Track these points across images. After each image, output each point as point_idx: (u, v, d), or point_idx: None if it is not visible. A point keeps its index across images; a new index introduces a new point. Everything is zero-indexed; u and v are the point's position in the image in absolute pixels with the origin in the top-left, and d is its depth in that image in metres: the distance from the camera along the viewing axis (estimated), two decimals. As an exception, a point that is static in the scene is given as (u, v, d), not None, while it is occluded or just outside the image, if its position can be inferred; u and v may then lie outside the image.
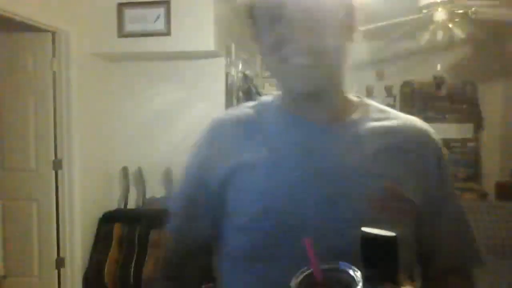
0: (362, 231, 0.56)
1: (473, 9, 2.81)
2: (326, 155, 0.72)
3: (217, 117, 0.87)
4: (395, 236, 0.54)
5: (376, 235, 0.55)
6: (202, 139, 0.90)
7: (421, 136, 0.79)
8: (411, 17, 3.08)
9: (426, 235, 0.76)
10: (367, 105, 0.82)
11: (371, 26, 3.23)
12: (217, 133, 0.85)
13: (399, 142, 0.76)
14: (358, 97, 0.85)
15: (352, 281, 0.52)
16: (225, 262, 0.82)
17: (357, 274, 0.52)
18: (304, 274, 0.55)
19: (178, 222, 0.85)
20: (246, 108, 0.84)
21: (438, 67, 5.25)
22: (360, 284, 0.51)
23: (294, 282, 0.55)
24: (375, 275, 0.54)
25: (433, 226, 0.77)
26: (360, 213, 0.66)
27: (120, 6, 3.20)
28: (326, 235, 0.63)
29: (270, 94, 0.86)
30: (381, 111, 0.82)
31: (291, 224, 0.68)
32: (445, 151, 0.80)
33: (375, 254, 0.55)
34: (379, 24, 3.19)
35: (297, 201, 0.70)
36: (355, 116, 0.78)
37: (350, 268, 0.53)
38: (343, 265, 0.54)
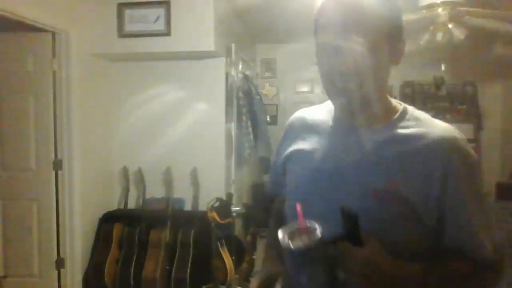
0: (341, 207, 0.79)
1: (467, 17, 2.82)
2: (351, 155, 0.90)
3: (294, 115, 1.14)
4: (356, 214, 0.76)
5: (344, 211, 0.78)
6: (284, 130, 1.15)
7: (439, 142, 0.86)
8: (411, 17, 3.08)
9: (442, 232, 0.86)
10: (405, 113, 0.94)
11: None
12: (289, 126, 1.13)
13: (417, 146, 0.86)
14: (400, 103, 0.97)
15: (316, 229, 0.80)
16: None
17: (318, 226, 0.80)
18: (291, 226, 0.83)
19: (272, 181, 1.19)
20: (316, 108, 1.09)
21: (443, 67, 5.25)
22: (318, 231, 0.79)
23: (281, 230, 0.82)
24: (348, 235, 0.79)
25: (443, 223, 0.86)
26: (360, 200, 0.85)
27: (120, 6, 3.20)
28: (335, 209, 0.80)
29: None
30: (416, 118, 0.93)
31: (315, 199, 0.91)
32: (473, 159, 0.88)
33: (346, 223, 0.79)
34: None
35: (320, 183, 0.92)
36: (388, 123, 0.92)
37: (317, 224, 0.81)
38: (314, 223, 0.81)
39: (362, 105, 0.88)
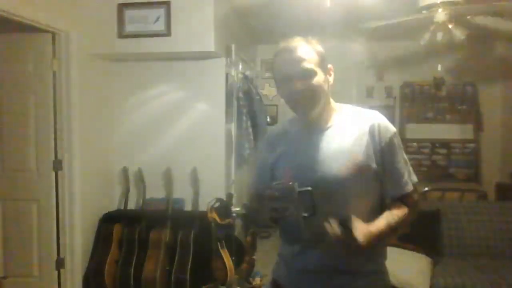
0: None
1: (468, 17, 2.82)
2: (319, 146, 1.32)
3: (270, 129, 1.59)
4: (311, 190, 1.14)
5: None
6: (264, 140, 1.57)
7: (376, 123, 1.32)
8: (411, 17, 3.08)
9: (383, 181, 1.31)
10: (344, 109, 1.41)
11: (372, 26, 3.23)
12: (270, 137, 1.52)
13: (363, 129, 1.31)
14: (338, 104, 1.42)
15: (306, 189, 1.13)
16: None
17: (296, 185, 1.13)
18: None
19: (257, 174, 1.50)
20: (281, 124, 1.54)
21: (439, 67, 5.25)
22: (295, 187, 1.12)
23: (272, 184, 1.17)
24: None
25: (384, 176, 1.30)
26: (336, 176, 1.25)
27: (120, 6, 3.20)
28: (313, 180, 1.20)
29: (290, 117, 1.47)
30: (357, 111, 1.40)
31: (301, 182, 1.17)
32: (394, 130, 1.35)
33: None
34: (380, 24, 3.19)
35: (304, 172, 1.27)
36: (336, 119, 1.36)
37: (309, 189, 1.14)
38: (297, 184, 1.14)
39: (315, 110, 1.31)
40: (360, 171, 1.25)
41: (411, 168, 1.35)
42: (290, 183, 1.14)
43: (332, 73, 1.42)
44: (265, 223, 1.37)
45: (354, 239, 1.10)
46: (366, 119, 1.34)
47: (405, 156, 1.35)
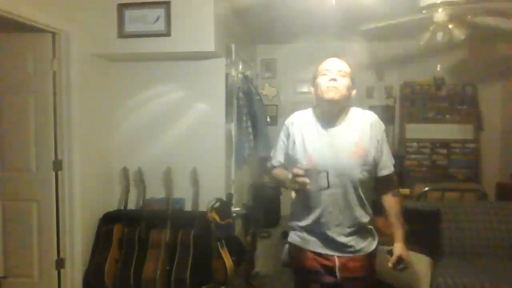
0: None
1: (469, 16, 2.82)
2: (335, 137, 1.73)
3: (293, 117, 1.90)
4: (327, 172, 1.60)
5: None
6: (286, 123, 1.90)
7: (375, 121, 1.79)
8: (411, 17, 3.08)
9: (378, 165, 1.78)
10: (351, 109, 1.81)
11: (372, 26, 3.23)
12: (290, 122, 1.88)
13: (366, 126, 1.75)
14: (352, 106, 1.83)
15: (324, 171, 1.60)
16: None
17: (324, 173, 1.59)
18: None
19: (278, 156, 1.91)
20: (298, 114, 1.89)
21: (438, 67, 5.25)
22: (325, 173, 1.60)
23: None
24: None
25: (380, 161, 1.77)
26: (348, 160, 1.68)
27: (120, 6, 3.20)
28: (330, 164, 1.65)
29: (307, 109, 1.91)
30: (360, 112, 1.82)
31: (318, 164, 1.65)
32: (383, 126, 1.82)
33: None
34: (380, 24, 3.19)
35: (321, 156, 1.69)
36: (346, 117, 1.78)
37: (326, 171, 1.60)
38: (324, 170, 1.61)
39: (338, 108, 1.76)
40: (364, 157, 1.70)
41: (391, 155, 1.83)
42: (312, 167, 1.62)
43: (355, 91, 1.82)
44: (288, 187, 1.72)
45: (406, 263, 1.81)
46: (367, 117, 1.79)
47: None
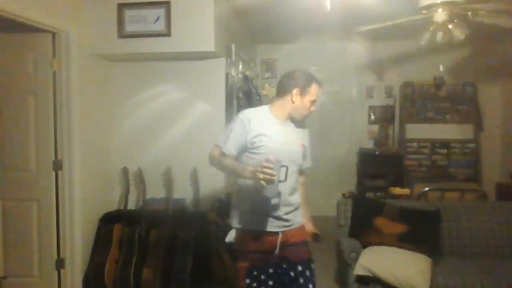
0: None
1: (469, 12, 2.81)
2: (288, 134, 2.05)
3: (246, 111, 2.10)
4: (287, 166, 1.85)
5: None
6: (237, 118, 2.08)
7: (304, 125, 2.17)
8: (411, 18, 3.08)
9: (305, 159, 2.14)
10: None
11: (372, 27, 3.23)
12: (247, 119, 2.02)
13: (303, 130, 2.15)
14: None
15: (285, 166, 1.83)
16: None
17: (285, 168, 1.83)
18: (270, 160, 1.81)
19: (231, 146, 2.08)
20: (253, 110, 2.12)
21: (441, 67, 5.26)
22: (285, 168, 1.82)
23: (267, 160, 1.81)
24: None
25: (306, 155, 2.14)
26: (296, 158, 2.05)
27: (120, 6, 3.20)
28: (286, 158, 1.89)
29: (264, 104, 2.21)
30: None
31: (279, 158, 1.82)
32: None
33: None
34: (380, 26, 3.19)
35: (276, 148, 1.95)
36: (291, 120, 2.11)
37: (284, 163, 1.82)
38: (282, 162, 1.81)
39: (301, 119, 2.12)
40: (303, 151, 2.10)
41: None
42: (278, 161, 1.78)
43: None
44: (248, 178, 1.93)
45: (320, 236, 2.18)
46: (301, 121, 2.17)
47: None
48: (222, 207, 3.23)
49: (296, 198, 2.10)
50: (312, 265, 2.09)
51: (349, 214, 3.22)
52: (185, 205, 3.52)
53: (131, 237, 3.23)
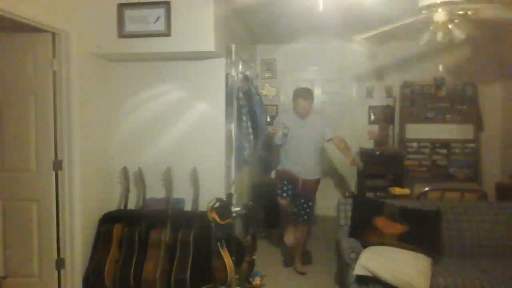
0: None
1: (469, 12, 2.81)
2: (305, 126, 3.69)
3: (282, 110, 5.13)
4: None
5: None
6: (280, 114, 4.57)
7: (326, 116, 4.08)
8: (411, 19, 3.08)
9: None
10: (317, 109, 4.23)
11: (373, 33, 3.24)
12: (279, 116, 4.13)
13: (322, 120, 3.77)
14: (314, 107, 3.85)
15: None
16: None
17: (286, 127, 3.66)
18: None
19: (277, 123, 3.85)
20: (286, 110, 4.07)
21: (440, 67, 5.25)
22: (285, 127, 3.64)
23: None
24: None
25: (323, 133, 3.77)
26: (313, 140, 3.71)
27: (120, 6, 3.20)
28: (305, 144, 3.68)
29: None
30: (319, 110, 4.62)
31: (299, 143, 3.70)
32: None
33: None
34: (380, 30, 3.20)
35: (299, 138, 3.66)
36: (313, 113, 3.76)
37: (286, 128, 3.68)
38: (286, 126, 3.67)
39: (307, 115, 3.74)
40: (321, 135, 3.68)
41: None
42: (284, 125, 3.55)
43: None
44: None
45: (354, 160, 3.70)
46: (319, 112, 4.04)
47: None
48: (222, 207, 3.23)
49: (315, 166, 3.74)
50: (311, 204, 3.83)
51: (349, 214, 3.22)
52: (185, 205, 3.52)
53: (131, 237, 3.23)
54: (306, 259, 3.97)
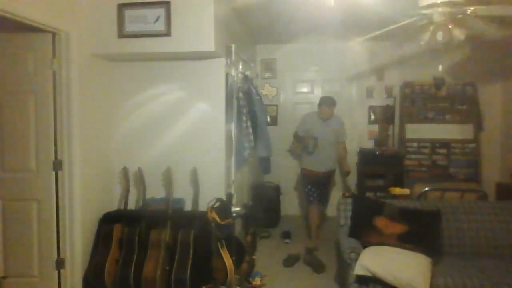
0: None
1: (472, 8, 2.80)
2: (326, 127, 4.45)
3: (307, 113, 4.80)
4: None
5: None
6: (303, 118, 4.66)
7: (342, 121, 4.61)
8: (411, 20, 3.08)
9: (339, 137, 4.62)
10: (335, 114, 4.55)
11: (373, 34, 3.24)
12: (306, 117, 4.63)
13: (339, 123, 4.56)
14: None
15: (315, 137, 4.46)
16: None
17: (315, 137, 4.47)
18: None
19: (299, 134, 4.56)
20: (309, 114, 4.72)
21: (440, 67, 5.25)
22: (314, 138, 4.39)
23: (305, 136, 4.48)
24: None
25: (339, 134, 4.60)
26: (332, 139, 4.48)
27: (120, 6, 3.20)
28: (326, 142, 4.41)
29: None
30: (336, 115, 4.56)
31: (320, 141, 4.39)
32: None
33: None
34: (381, 31, 3.20)
35: (321, 136, 4.37)
36: (333, 117, 4.50)
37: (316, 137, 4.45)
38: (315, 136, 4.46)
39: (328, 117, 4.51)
40: (338, 136, 4.50)
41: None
42: (312, 136, 4.32)
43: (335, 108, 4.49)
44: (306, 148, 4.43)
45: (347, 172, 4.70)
46: (337, 119, 4.54)
47: None
48: (222, 207, 3.23)
49: (333, 158, 4.52)
50: (331, 189, 4.86)
51: (349, 214, 3.22)
52: (185, 205, 3.52)
53: (131, 237, 3.23)
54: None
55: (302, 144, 4.46)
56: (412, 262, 2.68)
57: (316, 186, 4.46)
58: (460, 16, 2.87)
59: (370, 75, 5.69)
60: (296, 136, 4.58)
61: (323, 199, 4.63)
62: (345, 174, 4.74)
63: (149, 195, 3.51)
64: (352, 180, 5.50)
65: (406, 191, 4.00)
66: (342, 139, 4.53)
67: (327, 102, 4.40)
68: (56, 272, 3.09)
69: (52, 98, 3.01)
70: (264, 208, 4.99)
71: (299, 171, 4.76)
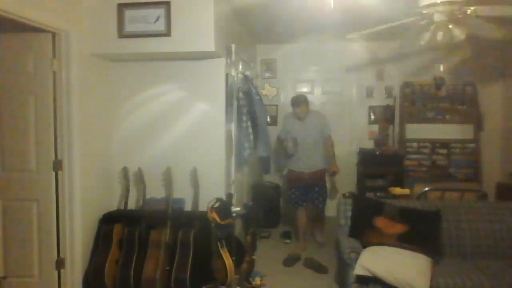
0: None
1: (472, 8, 2.80)
2: (305, 125, 4.35)
3: (287, 113, 4.64)
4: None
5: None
6: (284, 119, 4.64)
7: (322, 115, 4.56)
8: (411, 18, 3.08)
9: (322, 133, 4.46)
10: (313, 110, 4.54)
11: (372, 30, 3.23)
12: (286, 118, 4.59)
13: (318, 119, 4.43)
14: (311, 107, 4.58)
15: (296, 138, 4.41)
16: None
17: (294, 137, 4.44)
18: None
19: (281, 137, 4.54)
20: (289, 114, 4.56)
21: (441, 67, 5.25)
22: (293, 138, 4.36)
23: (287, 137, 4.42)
24: None
25: (322, 130, 4.44)
26: (313, 137, 4.35)
27: (120, 6, 3.20)
28: (306, 142, 4.32)
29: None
30: (314, 111, 4.59)
31: (300, 141, 4.33)
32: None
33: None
34: (380, 27, 3.19)
35: (300, 136, 4.31)
36: (310, 114, 4.39)
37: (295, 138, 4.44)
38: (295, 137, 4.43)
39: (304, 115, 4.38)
40: (321, 131, 4.35)
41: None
42: (292, 137, 4.29)
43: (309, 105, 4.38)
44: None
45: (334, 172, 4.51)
46: (316, 112, 4.55)
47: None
48: (222, 207, 3.23)
49: (318, 157, 4.36)
50: (325, 188, 4.49)
51: (349, 214, 3.22)
52: (185, 205, 3.52)
53: (131, 237, 3.23)
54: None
55: (284, 146, 4.37)
56: (412, 262, 2.68)
57: (302, 189, 4.34)
58: (460, 16, 2.87)
59: (370, 75, 5.69)
60: (278, 140, 4.58)
61: (317, 201, 4.40)
62: (331, 174, 4.52)
63: (149, 195, 3.51)
64: (352, 180, 5.50)
65: (406, 191, 4.00)
66: (326, 134, 4.33)
67: (296, 102, 4.25)
68: (56, 272, 3.09)
69: (52, 98, 3.01)
70: (264, 208, 4.99)
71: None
